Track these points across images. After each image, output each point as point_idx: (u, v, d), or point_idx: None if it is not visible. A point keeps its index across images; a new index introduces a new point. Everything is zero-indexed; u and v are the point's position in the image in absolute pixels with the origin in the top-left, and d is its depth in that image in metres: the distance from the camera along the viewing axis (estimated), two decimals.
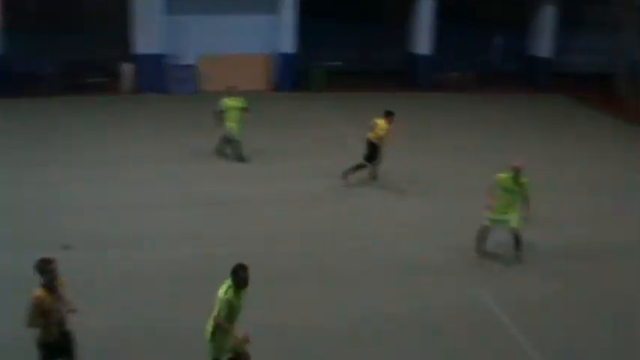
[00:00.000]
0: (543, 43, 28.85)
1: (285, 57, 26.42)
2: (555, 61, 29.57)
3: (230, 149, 18.42)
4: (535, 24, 29.20)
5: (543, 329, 11.00)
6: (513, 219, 12.98)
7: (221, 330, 8.49)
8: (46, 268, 8.02)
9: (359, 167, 16.78)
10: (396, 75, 28.09)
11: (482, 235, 13.34)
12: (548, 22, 28.74)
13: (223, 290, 8.47)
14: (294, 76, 26.61)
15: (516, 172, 12.85)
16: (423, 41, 27.31)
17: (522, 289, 12.38)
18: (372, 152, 16.61)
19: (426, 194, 16.60)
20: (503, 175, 13.00)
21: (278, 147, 19.63)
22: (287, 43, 26.28)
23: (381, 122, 16.49)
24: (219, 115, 18.12)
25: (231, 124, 18.08)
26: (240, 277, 8.42)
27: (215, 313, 8.48)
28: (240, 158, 18.21)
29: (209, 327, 8.61)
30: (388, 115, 16.54)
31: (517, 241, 13.15)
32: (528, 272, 12.95)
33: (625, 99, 27.43)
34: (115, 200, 15.33)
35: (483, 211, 13.12)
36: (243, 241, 13.53)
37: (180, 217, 14.61)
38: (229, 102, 18.12)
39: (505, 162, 13.34)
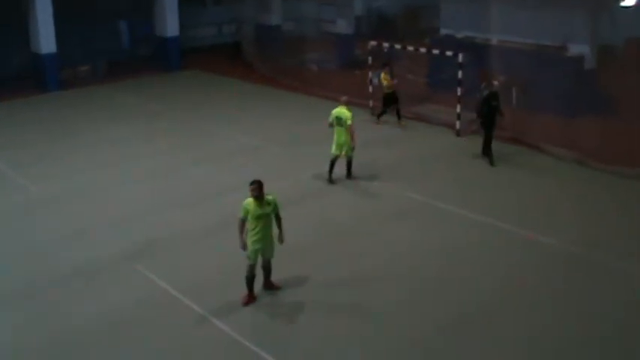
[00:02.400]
0: (168, 22, 29.05)
1: None
2: (185, 37, 30.10)
3: None
4: (158, 5, 29.21)
5: None
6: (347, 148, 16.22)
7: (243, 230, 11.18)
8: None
9: (382, 114, 20.95)
10: (23, 79, 26.29)
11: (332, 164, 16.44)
12: (170, 2, 28.91)
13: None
14: None
15: (346, 103, 16.20)
16: (46, 39, 25.86)
17: None
18: (389, 99, 20.49)
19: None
20: (339, 109, 16.04)
21: None
22: None
23: (383, 75, 20.28)
24: None
25: None
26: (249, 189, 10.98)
27: None
28: None
29: None
30: (385, 66, 20.49)
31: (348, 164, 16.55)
32: None
33: (252, 63, 29.05)
34: None
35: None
36: None
37: None
38: None
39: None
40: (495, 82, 17.70)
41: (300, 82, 25.76)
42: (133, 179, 17.11)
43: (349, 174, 16.71)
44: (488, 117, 17.43)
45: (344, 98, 16.52)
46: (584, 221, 14.46)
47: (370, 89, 21.94)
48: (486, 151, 17.72)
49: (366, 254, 13.22)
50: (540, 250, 13.22)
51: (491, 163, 17.52)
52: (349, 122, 15.99)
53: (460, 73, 19.29)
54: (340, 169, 16.68)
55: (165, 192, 16.37)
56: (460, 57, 19.28)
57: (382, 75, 20.42)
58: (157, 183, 16.88)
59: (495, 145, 18.48)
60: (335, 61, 28.19)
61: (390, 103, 20.57)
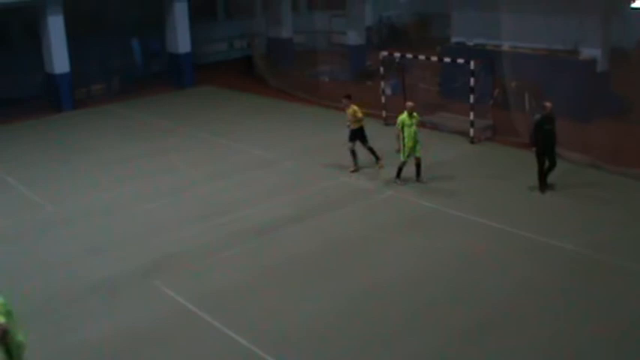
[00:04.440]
0: (180, 39, 29.19)
1: None
2: (197, 53, 30.33)
3: None
4: (169, 22, 29.36)
5: None
6: (418, 150, 16.61)
7: None
8: None
9: (370, 150, 18.08)
10: (38, 99, 26.48)
11: (401, 167, 16.78)
12: (181, 19, 29.04)
13: None
14: None
15: (411, 110, 16.45)
16: (59, 60, 26.05)
17: None
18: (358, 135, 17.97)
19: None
20: (402, 116, 16.44)
21: None
22: None
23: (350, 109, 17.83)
24: None
25: None
26: None
27: None
28: None
29: None
30: (347, 98, 18.13)
31: (419, 165, 16.83)
32: None
33: (264, 77, 29.14)
34: None
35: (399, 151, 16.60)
36: None
37: None
38: None
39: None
40: (548, 104, 15.80)
41: (312, 94, 25.81)
42: (148, 196, 17.17)
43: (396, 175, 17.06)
44: (542, 143, 15.79)
45: (409, 103, 16.91)
46: (600, 225, 14.35)
47: (383, 100, 21.94)
48: (542, 182, 16.09)
49: (383, 263, 13.20)
50: (556, 255, 13.13)
51: (541, 189, 16.07)
52: (396, 126, 16.68)
53: (472, 81, 19.27)
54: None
55: (181, 207, 16.43)
56: (472, 64, 19.26)
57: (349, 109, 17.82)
58: (173, 199, 16.93)
59: (510, 151, 18.43)
60: (347, 73, 28.24)
61: (360, 139, 17.92)
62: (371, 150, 17.95)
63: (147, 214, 16.14)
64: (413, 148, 16.60)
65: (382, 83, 22.09)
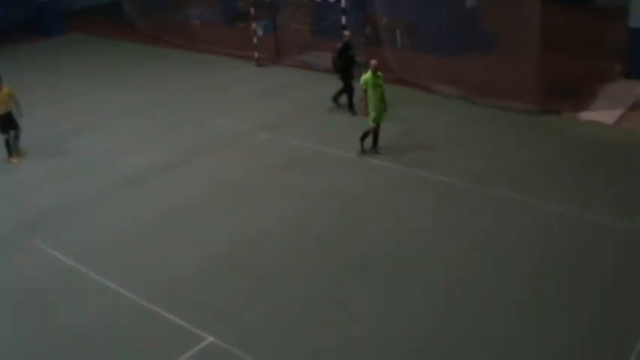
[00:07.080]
0: None
1: None
2: (66, 1, 28.97)
3: None
4: None
5: None
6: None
7: None
8: None
9: (7, 143, 15.93)
10: None
11: (367, 134, 14.99)
12: None
13: None
14: None
15: (375, 68, 14.58)
16: None
17: None
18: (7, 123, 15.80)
19: None
20: (367, 75, 14.58)
21: None
22: None
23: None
24: None
25: None
26: None
27: None
28: None
29: None
30: None
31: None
32: None
33: (134, 22, 28.17)
34: None
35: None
36: None
37: None
38: None
39: None
40: (346, 33, 17.72)
41: (184, 39, 25.16)
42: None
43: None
44: (346, 69, 17.32)
45: (374, 61, 14.92)
46: (471, 156, 14.78)
47: (255, 40, 21.65)
48: (347, 103, 17.57)
49: (267, 205, 13.26)
50: (431, 187, 13.52)
51: (354, 112, 17.23)
52: (360, 87, 14.99)
53: (343, 19, 19.25)
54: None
55: (54, 162, 15.83)
56: (342, 2, 19.22)
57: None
58: (44, 153, 16.26)
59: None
60: (218, 15, 27.64)
61: (8, 128, 15.92)
62: (7, 142, 15.98)
63: (17, 171, 15.45)
64: (383, 111, 15.00)
65: (253, 24, 21.76)
